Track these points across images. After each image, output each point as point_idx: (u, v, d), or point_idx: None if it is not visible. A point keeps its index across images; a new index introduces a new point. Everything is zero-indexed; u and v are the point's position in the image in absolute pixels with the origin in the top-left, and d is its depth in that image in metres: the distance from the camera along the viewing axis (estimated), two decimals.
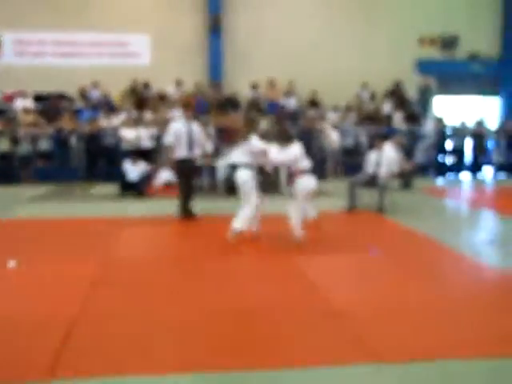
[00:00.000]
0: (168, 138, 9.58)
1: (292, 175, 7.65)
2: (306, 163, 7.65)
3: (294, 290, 5.87)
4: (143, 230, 9.24)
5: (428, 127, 17.88)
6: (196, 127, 9.68)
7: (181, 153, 9.54)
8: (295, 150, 7.58)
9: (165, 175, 13.80)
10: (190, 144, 9.50)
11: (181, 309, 5.51)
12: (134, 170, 13.05)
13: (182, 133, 9.45)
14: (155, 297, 5.81)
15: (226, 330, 4.89)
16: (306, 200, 7.79)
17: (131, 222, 9.92)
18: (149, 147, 15.24)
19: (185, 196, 9.83)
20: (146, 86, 19.13)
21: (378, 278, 6.31)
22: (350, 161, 16.23)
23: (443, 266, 6.96)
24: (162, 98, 18.20)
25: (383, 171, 10.46)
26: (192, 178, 9.92)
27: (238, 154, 8.12)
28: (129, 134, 15.36)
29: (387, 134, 13.31)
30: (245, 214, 7.94)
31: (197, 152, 9.70)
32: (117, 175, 13.50)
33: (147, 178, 13.35)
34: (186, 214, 9.83)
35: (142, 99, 18.05)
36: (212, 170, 13.53)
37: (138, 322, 5.12)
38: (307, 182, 7.64)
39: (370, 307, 5.40)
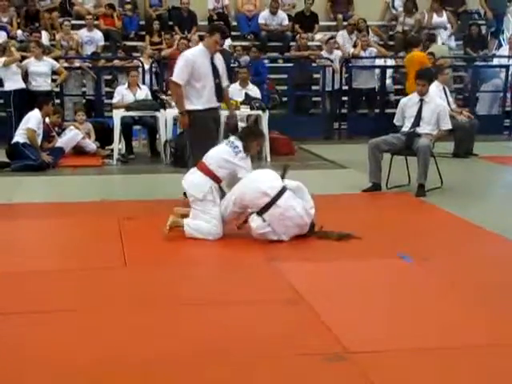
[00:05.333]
0: (181, 75, 6.88)
1: None
2: None
3: (285, 318, 4.52)
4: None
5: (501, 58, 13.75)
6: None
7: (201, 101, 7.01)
8: None
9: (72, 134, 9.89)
10: (217, 87, 7.04)
11: None
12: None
13: (205, 67, 6.88)
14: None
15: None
16: None
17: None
18: (46, 89, 10.69)
19: None
20: None
21: (412, 300, 4.84)
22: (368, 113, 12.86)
23: None
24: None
25: (427, 129, 7.98)
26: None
27: None
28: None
29: (433, 70, 9.94)
30: None
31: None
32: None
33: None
34: None
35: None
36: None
37: None
38: None
39: (399, 347, 4.06)
